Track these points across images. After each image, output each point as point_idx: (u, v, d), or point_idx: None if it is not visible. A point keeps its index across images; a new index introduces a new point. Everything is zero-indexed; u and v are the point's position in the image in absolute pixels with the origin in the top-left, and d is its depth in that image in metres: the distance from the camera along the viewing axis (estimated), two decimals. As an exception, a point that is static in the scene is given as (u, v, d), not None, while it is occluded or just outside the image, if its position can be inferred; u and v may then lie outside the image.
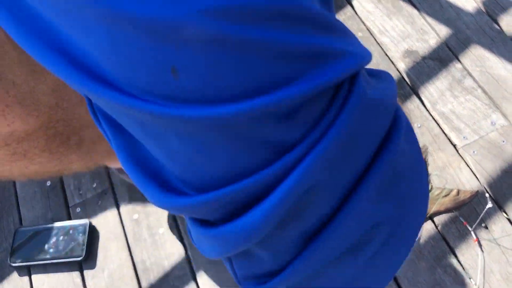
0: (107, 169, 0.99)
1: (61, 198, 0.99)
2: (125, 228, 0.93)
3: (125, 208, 0.95)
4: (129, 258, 0.89)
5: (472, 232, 0.80)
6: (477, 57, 0.95)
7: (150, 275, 0.87)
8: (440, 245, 0.81)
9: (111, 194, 0.97)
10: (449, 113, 0.90)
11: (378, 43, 1.01)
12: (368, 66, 0.26)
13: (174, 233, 0.91)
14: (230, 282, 0.86)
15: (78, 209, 0.97)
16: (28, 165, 0.44)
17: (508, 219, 0.80)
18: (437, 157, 0.87)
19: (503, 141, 0.86)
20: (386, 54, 0.99)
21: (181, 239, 0.90)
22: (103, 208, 0.96)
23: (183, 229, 0.91)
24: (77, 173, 0.99)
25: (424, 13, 1.02)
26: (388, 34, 1.02)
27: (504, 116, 0.88)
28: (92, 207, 0.96)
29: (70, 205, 0.98)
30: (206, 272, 0.86)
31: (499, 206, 0.81)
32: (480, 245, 0.79)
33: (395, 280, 0.79)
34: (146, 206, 0.94)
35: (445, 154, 0.87)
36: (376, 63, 0.99)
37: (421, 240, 0.81)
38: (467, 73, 0.93)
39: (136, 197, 0.95)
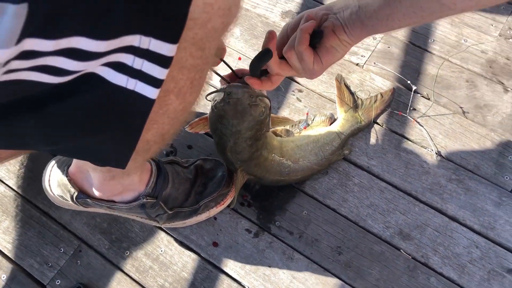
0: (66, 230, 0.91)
1: (31, 285, 0.87)
2: (123, 268, 0.88)
3: (110, 252, 0.89)
4: (148, 288, 0.85)
5: (408, 116, 0.99)
6: None
7: (178, 291, 0.85)
8: (392, 137, 0.97)
9: (87, 247, 0.90)
10: (341, 44, 1.09)
11: (258, 15, 1.14)
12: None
13: (174, 246, 0.89)
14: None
15: (58, 281, 0.87)
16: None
17: (422, 96, 1.01)
18: (352, 79, 1.04)
19: (388, 47, 1.08)
20: (267, 22, 1.13)
21: (183, 245, 0.89)
22: (85, 264, 0.88)
23: (183, 233, 0.90)
24: (35, 250, 0.89)
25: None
26: (260, 6, 1.16)
27: (378, 30, 1.10)
28: (72, 270, 0.88)
29: (45, 284, 0.87)
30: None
31: (412, 90, 1.01)
32: (418, 122, 0.98)
33: (378, 177, 0.93)
34: (130, 238, 0.90)
35: (356, 74, 1.05)
36: (263, 31, 1.12)
37: (378, 141, 0.97)
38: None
39: (118, 235, 0.90)
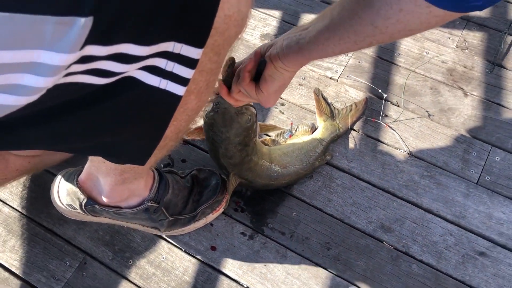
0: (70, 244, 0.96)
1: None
2: (127, 277, 0.93)
3: (114, 262, 0.95)
4: (152, 292, 0.90)
5: (381, 122, 1.09)
6: (309, 20, 1.26)
7: (182, 293, 0.90)
8: (368, 141, 1.07)
9: (91, 259, 0.95)
10: (317, 62, 1.19)
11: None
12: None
13: (174, 252, 0.95)
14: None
15: (65, 294, 0.92)
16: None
17: (392, 103, 1.12)
18: (329, 91, 1.14)
19: (359, 62, 1.19)
20: (248, 44, 1.23)
21: (183, 251, 0.95)
22: (91, 275, 0.93)
23: (182, 240, 0.96)
24: (35, 263, 0.94)
25: (256, 7, 1.30)
26: (241, 31, 1.26)
27: (349, 47, 1.21)
28: (79, 282, 0.93)
29: (53, 297, 0.92)
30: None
31: (383, 99, 1.12)
32: (390, 127, 1.08)
33: (359, 177, 1.02)
34: (132, 248, 0.96)
35: (332, 87, 1.15)
36: (245, 53, 1.22)
37: (356, 146, 1.06)
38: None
39: (121, 246, 0.96)
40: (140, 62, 0.49)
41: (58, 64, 0.42)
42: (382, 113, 1.10)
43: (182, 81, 0.52)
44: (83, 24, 0.40)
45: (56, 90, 0.45)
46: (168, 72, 0.51)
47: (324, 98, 1.11)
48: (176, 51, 0.49)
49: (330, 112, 1.09)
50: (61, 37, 0.40)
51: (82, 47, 0.42)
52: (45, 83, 0.43)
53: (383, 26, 0.54)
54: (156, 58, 0.49)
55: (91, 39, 0.42)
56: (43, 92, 0.44)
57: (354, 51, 0.64)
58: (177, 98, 0.53)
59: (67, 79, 0.46)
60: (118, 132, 0.57)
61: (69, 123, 0.52)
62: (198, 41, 0.50)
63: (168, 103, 0.54)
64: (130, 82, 0.50)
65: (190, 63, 0.51)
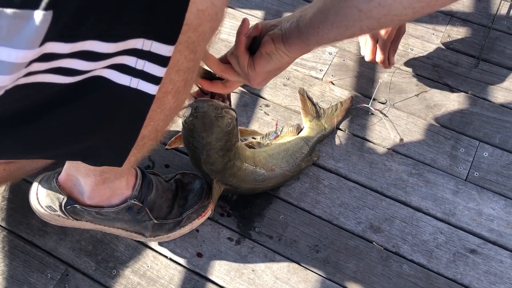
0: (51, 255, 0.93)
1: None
2: (113, 287, 0.90)
3: (97, 273, 0.92)
4: (137, 304, 0.87)
5: (370, 107, 1.07)
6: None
7: (167, 303, 0.88)
8: (355, 140, 1.05)
9: (74, 270, 0.92)
10: (301, 61, 1.17)
11: (222, 40, 1.22)
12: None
13: (159, 259, 0.93)
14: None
15: (47, 307, 0.89)
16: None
17: (379, 101, 1.10)
18: (314, 91, 1.12)
19: (343, 60, 1.17)
20: (230, 45, 1.21)
21: (168, 258, 0.93)
22: (74, 287, 0.90)
23: (167, 247, 0.93)
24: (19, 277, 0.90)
25: (238, 7, 1.28)
26: (223, 32, 1.24)
27: (334, 46, 1.19)
28: (62, 295, 0.90)
29: (34, 311, 0.89)
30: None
31: (369, 96, 1.10)
32: (383, 113, 1.07)
33: (346, 177, 1.00)
34: (116, 257, 0.93)
35: (317, 87, 1.13)
36: (228, 54, 1.20)
37: (343, 145, 1.04)
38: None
39: (104, 255, 0.93)
40: (107, 60, 0.46)
41: (15, 61, 0.40)
42: (369, 111, 1.08)
43: (154, 79, 0.50)
44: (41, 18, 0.38)
45: (18, 92, 0.43)
46: (138, 70, 0.49)
47: (309, 98, 1.10)
48: (146, 48, 0.47)
49: (315, 112, 1.07)
50: (17, 32, 0.38)
51: (42, 44, 0.40)
52: (2, 81, 0.41)
53: (367, 10, 0.55)
54: (125, 56, 0.47)
55: (52, 35, 0.40)
56: (1, 92, 0.42)
57: (350, 38, 0.64)
58: (149, 98, 0.51)
59: (29, 79, 0.43)
60: (90, 134, 0.55)
61: (36, 128, 0.49)
62: (169, 38, 0.48)
63: (140, 103, 0.52)
64: (99, 81, 0.48)
65: (161, 61, 0.49)
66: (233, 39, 1.23)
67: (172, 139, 0.94)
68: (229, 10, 1.27)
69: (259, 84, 0.73)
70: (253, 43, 0.70)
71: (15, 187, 1.00)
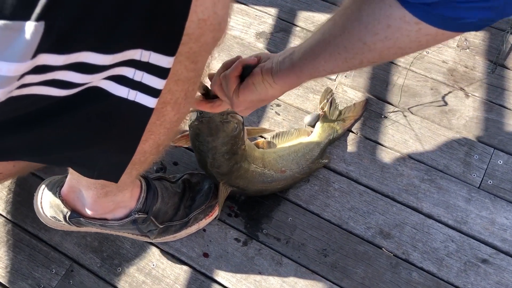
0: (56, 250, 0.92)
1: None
2: (116, 285, 0.90)
3: (102, 270, 0.91)
4: (142, 302, 0.87)
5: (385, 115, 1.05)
6: (306, 18, 1.23)
7: (172, 303, 0.86)
8: (367, 143, 1.04)
9: (78, 266, 0.91)
10: (313, 61, 1.15)
11: (234, 37, 1.20)
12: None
13: (166, 257, 0.92)
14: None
15: (51, 303, 0.88)
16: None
17: (392, 104, 1.08)
18: (326, 91, 1.10)
19: (357, 61, 1.15)
20: (243, 43, 1.20)
21: (174, 258, 0.92)
22: (78, 283, 0.90)
23: (173, 246, 0.92)
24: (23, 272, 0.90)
25: (251, 4, 1.26)
26: (235, 28, 1.22)
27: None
28: (66, 291, 0.89)
29: (38, 306, 0.88)
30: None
31: (382, 99, 1.08)
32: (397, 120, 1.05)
33: (357, 181, 0.99)
34: (121, 255, 0.92)
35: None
36: (239, 51, 1.18)
37: (354, 148, 1.03)
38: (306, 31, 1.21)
39: (109, 252, 0.92)
40: (104, 72, 0.44)
41: (7, 74, 0.38)
42: (382, 114, 1.06)
43: (153, 92, 0.48)
44: (32, 29, 0.36)
45: (12, 103, 0.41)
46: (136, 82, 0.47)
47: (332, 101, 1.07)
48: (144, 59, 0.45)
49: (330, 113, 1.05)
50: (8, 44, 0.36)
51: (34, 56, 0.38)
52: None
53: (371, 42, 0.52)
54: (122, 67, 0.45)
55: (45, 47, 0.38)
56: None
57: (346, 71, 0.60)
58: (148, 111, 0.49)
59: (23, 91, 0.42)
60: (85, 146, 0.53)
61: (29, 137, 0.48)
62: (168, 49, 0.45)
63: (138, 116, 0.50)
64: (96, 92, 0.46)
65: (160, 72, 0.47)
66: (245, 36, 1.22)
67: (178, 136, 0.92)
68: (242, 6, 1.26)
69: (241, 111, 0.72)
70: (244, 71, 0.69)
71: (21, 181, 1.00)
